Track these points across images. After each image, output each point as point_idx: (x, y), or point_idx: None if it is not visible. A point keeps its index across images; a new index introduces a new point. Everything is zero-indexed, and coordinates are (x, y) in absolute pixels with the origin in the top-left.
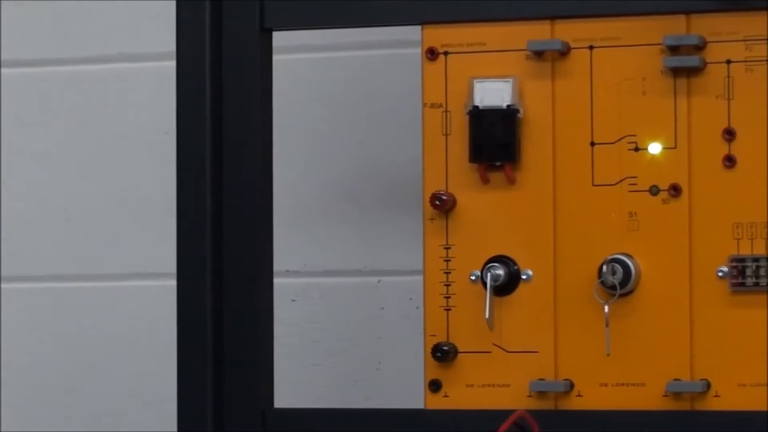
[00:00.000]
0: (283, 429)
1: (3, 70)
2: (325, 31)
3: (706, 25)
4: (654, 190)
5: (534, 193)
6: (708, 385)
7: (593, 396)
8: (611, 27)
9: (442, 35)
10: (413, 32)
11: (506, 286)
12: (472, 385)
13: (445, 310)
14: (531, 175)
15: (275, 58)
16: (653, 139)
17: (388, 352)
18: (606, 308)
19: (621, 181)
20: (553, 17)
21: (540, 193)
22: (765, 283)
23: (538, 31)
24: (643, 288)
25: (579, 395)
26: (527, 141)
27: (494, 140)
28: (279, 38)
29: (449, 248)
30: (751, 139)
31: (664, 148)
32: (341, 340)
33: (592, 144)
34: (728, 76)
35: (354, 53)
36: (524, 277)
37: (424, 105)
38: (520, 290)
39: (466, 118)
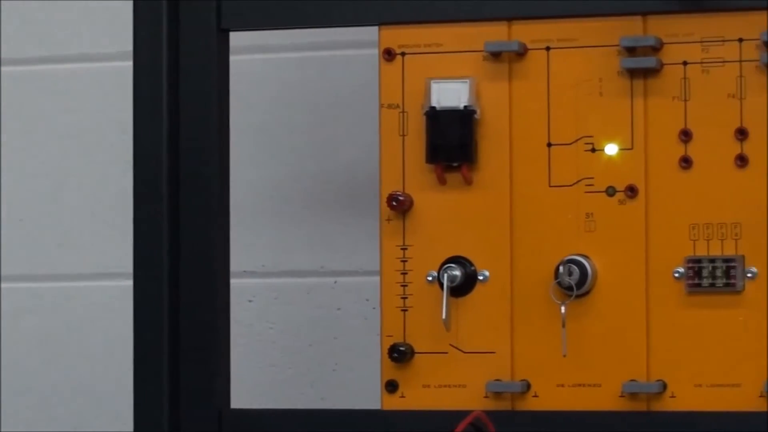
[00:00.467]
0: (239, 429)
1: None
2: (281, 32)
3: (662, 27)
4: (610, 191)
5: (491, 193)
6: (664, 386)
7: (550, 396)
8: (568, 28)
9: (399, 36)
10: (370, 33)
11: (463, 287)
12: (428, 386)
13: (402, 310)
14: (488, 175)
15: (232, 58)
16: (610, 140)
17: (345, 353)
18: (562, 309)
19: (578, 182)
20: (510, 18)
21: (497, 193)
22: (721, 284)
23: (495, 32)
24: (599, 289)
25: (535, 396)
26: (484, 142)
27: (451, 141)
28: (236, 38)
29: (406, 249)
30: (707, 141)
31: (621, 149)
32: (298, 341)
33: (549, 145)
34: (685, 78)
35: (311, 54)
36: (481, 277)
37: (381, 105)
38: (477, 291)
39: (423, 118)
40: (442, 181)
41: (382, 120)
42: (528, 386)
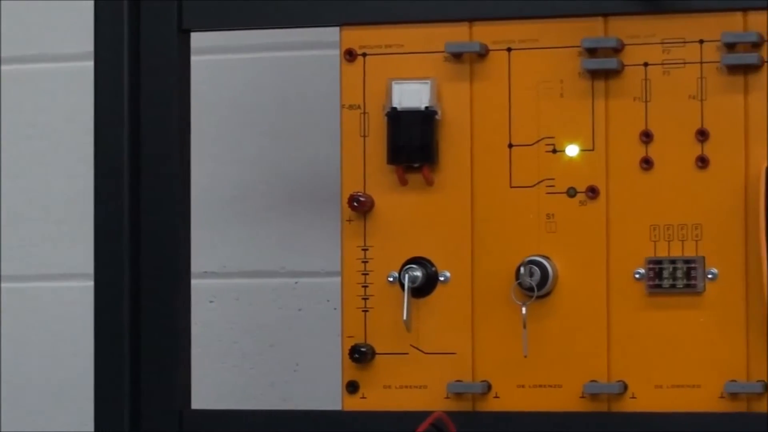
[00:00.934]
0: (200, 430)
1: None
2: (243, 33)
3: (623, 28)
4: (571, 192)
5: (452, 194)
6: (625, 387)
7: (511, 397)
8: (529, 29)
9: (361, 37)
10: (332, 34)
11: (424, 288)
12: (389, 387)
13: (363, 311)
14: (449, 176)
15: (193, 59)
16: (571, 141)
17: (306, 354)
18: (523, 310)
19: (539, 183)
20: (471, 19)
21: (458, 194)
22: (682, 285)
23: (456, 33)
24: (560, 290)
25: (496, 397)
26: (445, 143)
27: (412, 142)
28: (197, 39)
29: (367, 249)
30: (668, 142)
31: (582, 150)
32: (259, 342)
33: (510, 146)
34: (645, 79)
35: (272, 54)
36: (442, 278)
37: (342, 106)
38: (438, 292)
39: (385, 119)
40: (403, 182)
41: (343, 121)
42: (489, 387)
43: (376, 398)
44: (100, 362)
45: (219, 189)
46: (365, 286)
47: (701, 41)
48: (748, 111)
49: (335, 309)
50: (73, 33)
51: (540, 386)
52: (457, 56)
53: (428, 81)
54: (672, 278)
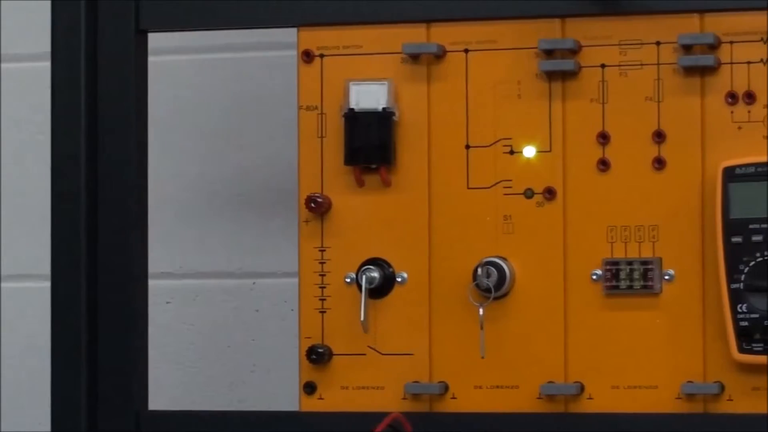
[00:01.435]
0: (157, 431)
1: None
2: (200, 33)
3: (580, 29)
4: (529, 194)
5: (409, 195)
6: (582, 388)
7: (468, 398)
8: (487, 30)
9: (318, 38)
10: (289, 34)
11: (381, 289)
12: (346, 387)
13: (320, 312)
14: (406, 177)
15: (150, 59)
16: (528, 142)
17: (263, 354)
18: (481, 311)
19: (496, 184)
20: (428, 20)
21: (415, 195)
22: (639, 286)
23: (413, 34)
24: (517, 291)
25: (453, 397)
26: (402, 144)
27: (369, 143)
28: (154, 40)
29: (324, 250)
30: (625, 143)
31: (539, 152)
32: (216, 342)
33: (467, 147)
34: (602, 80)
35: (229, 55)
36: (399, 279)
37: (300, 107)
38: (395, 292)
39: (342, 120)
40: (360, 183)
41: (300, 122)
42: (446, 388)
43: (333, 399)
44: (56, 363)
45: (176, 190)
46: (322, 287)
47: (658, 43)
48: (705, 112)
49: (292, 310)
50: (30, 33)
51: (497, 387)
52: (414, 57)
53: (385, 82)
54: (629, 279)
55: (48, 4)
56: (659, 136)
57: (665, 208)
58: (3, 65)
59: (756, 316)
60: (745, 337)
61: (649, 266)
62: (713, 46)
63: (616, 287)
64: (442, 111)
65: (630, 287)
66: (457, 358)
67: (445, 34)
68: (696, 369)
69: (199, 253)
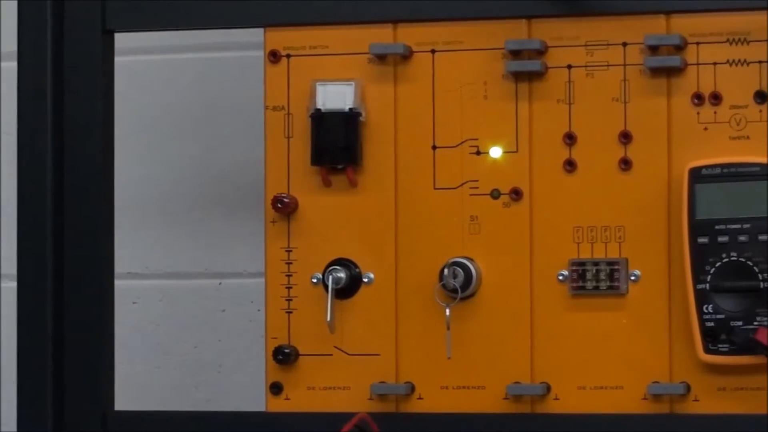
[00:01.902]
0: (123, 431)
1: None
2: (167, 33)
3: (547, 30)
4: (495, 194)
5: (376, 196)
6: (548, 388)
7: (434, 399)
8: (453, 31)
9: (285, 38)
10: (256, 35)
11: (348, 289)
12: (313, 388)
13: (287, 312)
14: (373, 178)
15: (117, 59)
16: (495, 143)
17: (230, 355)
18: (447, 311)
19: (462, 184)
20: (395, 21)
21: (382, 196)
22: (605, 287)
23: (380, 35)
24: (484, 291)
25: (420, 398)
26: (369, 144)
27: (336, 143)
28: (121, 40)
29: (291, 251)
30: (591, 144)
31: (506, 152)
32: (183, 343)
33: (434, 147)
34: (569, 81)
35: (196, 55)
36: (366, 280)
37: (267, 107)
38: (362, 293)
39: (308, 120)
40: (327, 184)
41: (267, 122)
42: (412, 388)
43: (299, 399)
44: (23, 363)
45: (143, 190)
46: (289, 288)
47: (624, 44)
48: (671, 113)
49: (259, 310)
50: None
51: (463, 387)
52: (381, 58)
53: (352, 82)
54: (595, 280)
55: (14, 4)
56: (626, 137)
57: (631, 209)
58: None
59: (722, 316)
60: (711, 338)
61: (615, 267)
62: (679, 47)
63: (583, 288)
64: (408, 111)
65: (596, 288)
66: (423, 359)
67: (411, 34)
68: (662, 369)
69: (165, 254)
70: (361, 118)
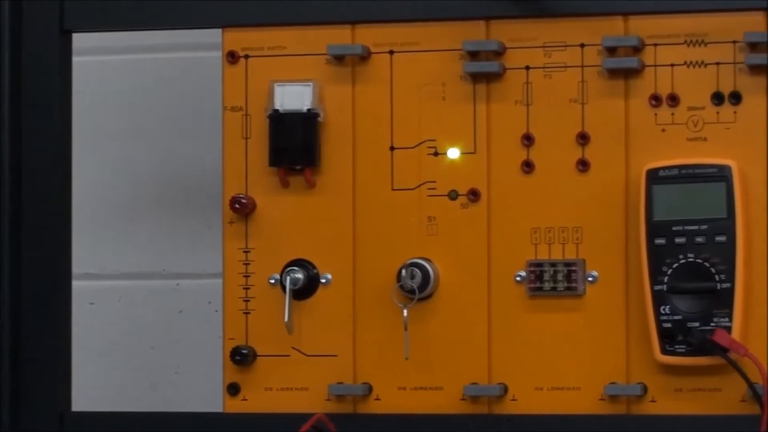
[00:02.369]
0: (81, 431)
1: None
2: (125, 34)
3: (505, 31)
4: (453, 195)
5: (334, 197)
6: (505, 389)
7: (392, 399)
8: (411, 32)
9: (243, 39)
10: (214, 35)
11: (305, 290)
12: (270, 389)
13: (244, 313)
14: (331, 179)
15: (75, 59)
16: (453, 144)
17: (187, 355)
18: (405, 312)
19: (420, 185)
20: (353, 22)
21: (340, 197)
22: (562, 288)
23: (338, 36)
24: (441, 292)
25: (377, 399)
26: (327, 145)
27: (294, 144)
28: (79, 40)
29: (248, 251)
30: (549, 145)
31: (464, 153)
32: (140, 344)
33: (392, 148)
34: (527, 82)
35: (154, 56)
36: (323, 280)
37: (225, 108)
38: (320, 294)
39: (267, 121)
40: (284, 184)
41: (225, 123)
42: (370, 389)
43: (257, 400)
44: None
45: (101, 191)
46: (246, 288)
47: (582, 45)
48: (629, 115)
49: (216, 311)
50: None
51: (421, 388)
52: (339, 58)
53: (310, 83)
54: (553, 281)
55: None
56: (583, 138)
57: (589, 210)
58: None
59: (679, 317)
60: (668, 339)
61: (573, 268)
62: (637, 49)
63: (540, 289)
64: (366, 112)
65: (554, 289)
66: (381, 360)
67: (369, 35)
68: (619, 370)
69: (123, 254)
70: (319, 119)
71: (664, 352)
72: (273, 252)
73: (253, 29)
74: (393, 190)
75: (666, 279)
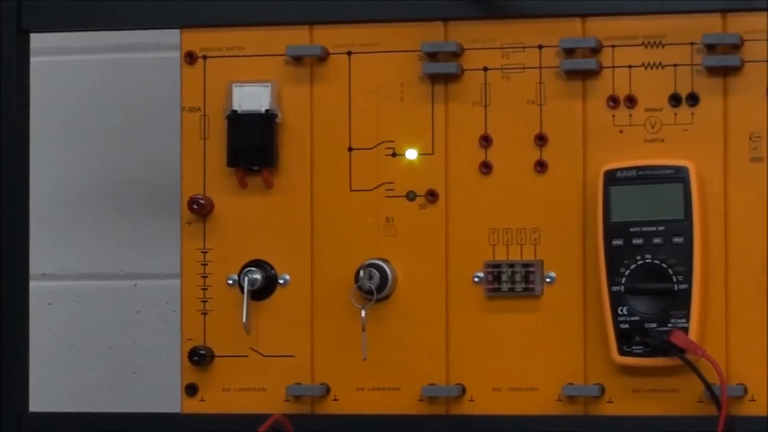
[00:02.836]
0: None
1: None
2: (83, 34)
3: (463, 32)
4: (411, 196)
5: (292, 197)
6: (463, 390)
7: (349, 400)
8: (370, 33)
9: (201, 39)
10: (172, 36)
11: (263, 291)
12: (228, 389)
13: (202, 314)
14: (289, 179)
15: (32, 59)
16: (411, 145)
17: (145, 356)
18: (363, 313)
19: (378, 186)
20: (311, 22)
21: (298, 197)
22: (520, 289)
23: (296, 36)
24: (399, 293)
25: (335, 399)
26: (285, 146)
27: (252, 145)
28: (36, 40)
29: (206, 252)
30: (507, 146)
31: (422, 154)
32: (98, 344)
33: (350, 149)
34: (485, 83)
35: (112, 56)
36: (281, 281)
37: (183, 109)
38: (278, 294)
39: (225, 122)
40: (243, 185)
41: (183, 123)
42: (328, 390)
43: (215, 401)
44: None
45: (58, 191)
46: (204, 289)
47: (540, 46)
48: (587, 116)
49: (174, 311)
50: None
51: (379, 389)
52: (297, 59)
53: (268, 84)
54: (510, 282)
55: None
56: (541, 139)
57: (547, 211)
58: None
59: (636, 318)
60: (626, 340)
61: (531, 269)
62: (595, 50)
63: (498, 290)
64: (324, 113)
65: (511, 290)
66: (338, 360)
67: (328, 36)
68: (577, 371)
69: (80, 255)
70: (277, 120)
71: (622, 352)
72: (231, 252)
73: (212, 30)
74: (351, 190)
75: (623, 280)
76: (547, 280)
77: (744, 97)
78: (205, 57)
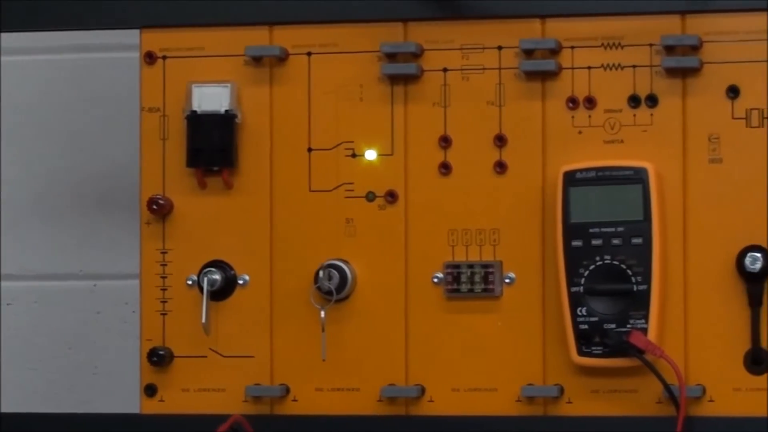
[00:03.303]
0: None
1: None
2: (42, 34)
3: (423, 33)
4: (370, 197)
5: (251, 198)
6: (422, 390)
7: (309, 400)
8: (329, 33)
9: (161, 39)
10: (132, 36)
11: (223, 291)
12: (187, 390)
13: (162, 314)
14: (248, 180)
15: None
16: (370, 145)
17: (105, 357)
18: (322, 313)
19: (338, 187)
20: (271, 23)
21: (257, 198)
22: (479, 290)
23: (256, 37)
24: (359, 293)
25: (295, 400)
26: (245, 146)
27: (212, 145)
28: None
29: (166, 252)
30: (466, 147)
31: (381, 155)
32: (57, 345)
33: (310, 150)
34: (445, 84)
35: (72, 56)
36: (241, 282)
37: (142, 109)
38: (237, 295)
39: (184, 122)
40: (202, 185)
41: (142, 123)
42: (287, 390)
43: (174, 401)
44: None
45: (17, 191)
46: (164, 289)
47: (500, 47)
48: (546, 117)
49: (134, 312)
50: None
51: (338, 389)
52: (257, 60)
53: (228, 84)
54: (470, 283)
55: None
56: (500, 140)
57: (506, 212)
58: None
59: (595, 319)
60: (585, 340)
61: (490, 269)
62: (554, 51)
63: (457, 290)
64: (284, 114)
65: (471, 290)
66: (298, 361)
67: (287, 36)
68: (536, 372)
69: (40, 255)
70: (236, 120)
71: (581, 353)
72: (190, 253)
73: (171, 30)
74: (310, 191)
75: (582, 281)
76: (507, 280)
77: (703, 98)
78: (164, 57)
